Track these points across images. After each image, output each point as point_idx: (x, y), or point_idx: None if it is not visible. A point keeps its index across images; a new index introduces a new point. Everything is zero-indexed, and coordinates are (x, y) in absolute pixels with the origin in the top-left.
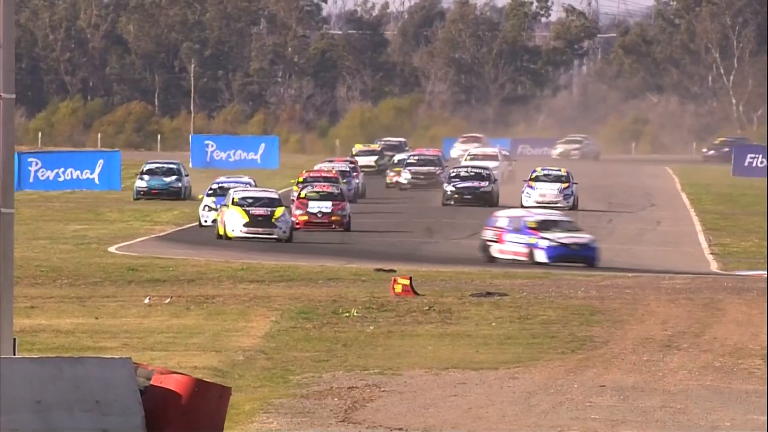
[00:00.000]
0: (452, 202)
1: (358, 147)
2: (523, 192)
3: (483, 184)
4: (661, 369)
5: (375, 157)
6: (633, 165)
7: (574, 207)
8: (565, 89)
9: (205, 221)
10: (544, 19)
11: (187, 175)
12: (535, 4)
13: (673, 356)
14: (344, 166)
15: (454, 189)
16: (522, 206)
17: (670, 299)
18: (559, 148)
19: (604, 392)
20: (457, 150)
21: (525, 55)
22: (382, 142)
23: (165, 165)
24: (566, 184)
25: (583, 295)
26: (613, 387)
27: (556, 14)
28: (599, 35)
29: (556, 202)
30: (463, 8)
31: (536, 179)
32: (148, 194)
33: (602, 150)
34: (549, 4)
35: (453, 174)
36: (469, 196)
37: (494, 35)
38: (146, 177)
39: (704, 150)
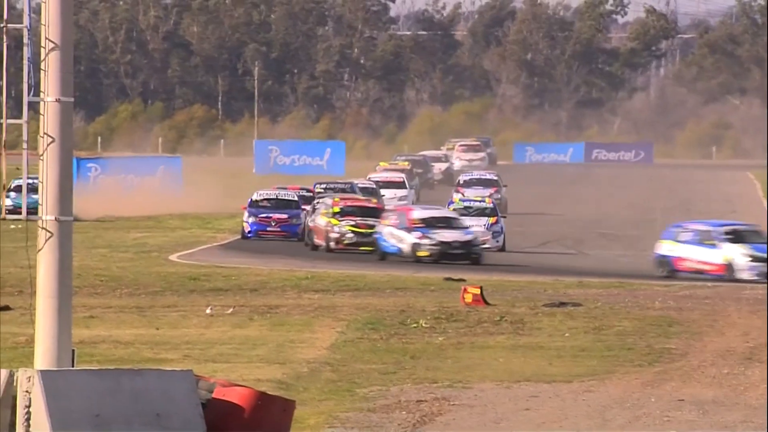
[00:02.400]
0: None
1: (382, 165)
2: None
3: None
4: (742, 383)
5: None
6: (713, 171)
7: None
8: (641, 92)
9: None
10: (620, 19)
11: None
12: (611, 2)
13: (754, 369)
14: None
15: None
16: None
17: (752, 310)
18: (460, 161)
19: (683, 407)
20: (459, 162)
21: (600, 56)
22: (413, 157)
23: (36, 181)
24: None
25: (660, 305)
26: (691, 401)
27: (633, 14)
28: (678, 36)
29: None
30: (534, 8)
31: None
32: (15, 212)
33: (681, 154)
34: (626, 3)
35: None
36: None
37: (568, 36)
38: (12, 194)
39: None
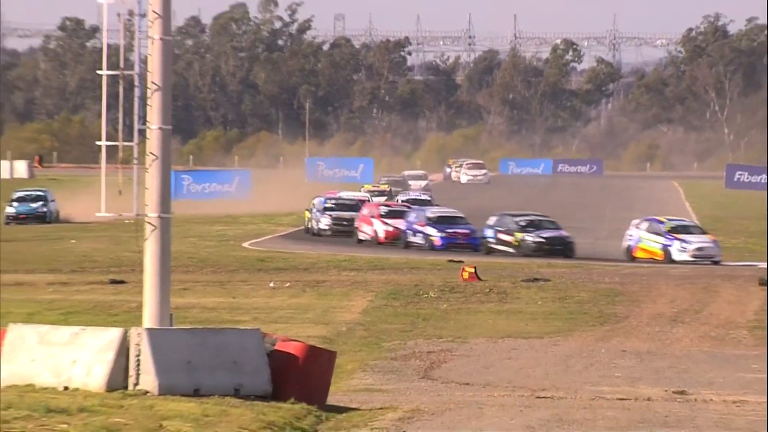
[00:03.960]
0: None
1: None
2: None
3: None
4: (669, 338)
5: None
6: (648, 180)
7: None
8: (594, 121)
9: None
10: (578, 67)
11: (53, 200)
12: (570, 54)
13: (678, 328)
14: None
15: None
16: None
17: (677, 284)
18: (466, 176)
19: (625, 356)
20: (465, 176)
21: (563, 95)
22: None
23: (33, 192)
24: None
25: (608, 281)
26: (631, 352)
27: (587, 63)
28: (621, 79)
29: None
30: (515, 59)
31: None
32: (17, 219)
33: (624, 168)
34: (582, 54)
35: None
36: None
37: (539, 80)
38: (15, 204)
39: None
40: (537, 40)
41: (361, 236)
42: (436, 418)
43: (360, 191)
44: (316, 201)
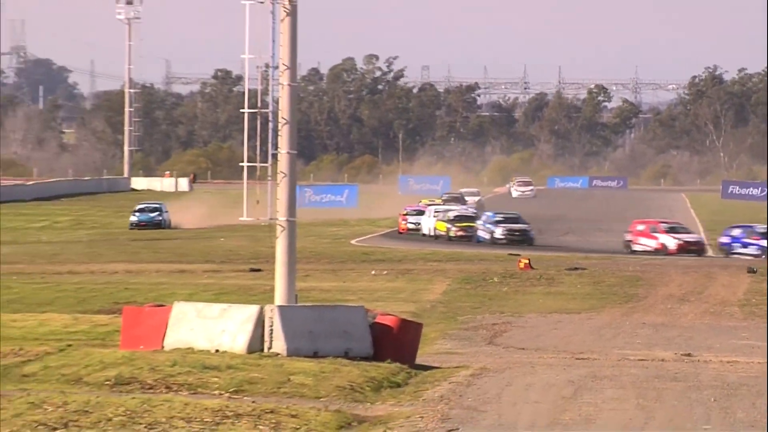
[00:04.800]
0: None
1: (424, 201)
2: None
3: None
4: (677, 313)
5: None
6: (661, 193)
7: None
8: (621, 147)
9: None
10: (608, 105)
11: (166, 212)
12: (602, 96)
13: (685, 306)
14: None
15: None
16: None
17: (684, 272)
18: (516, 192)
19: (644, 327)
20: (516, 191)
21: (597, 127)
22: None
23: (151, 205)
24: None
25: (632, 269)
26: (649, 324)
27: (615, 102)
28: (641, 115)
29: None
30: (559, 99)
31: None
32: (138, 226)
33: (643, 184)
34: (611, 96)
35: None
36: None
37: (578, 115)
38: (137, 214)
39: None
40: (576, 84)
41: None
42: (499, 374)
43: (420, 203)
44: (483, 216)
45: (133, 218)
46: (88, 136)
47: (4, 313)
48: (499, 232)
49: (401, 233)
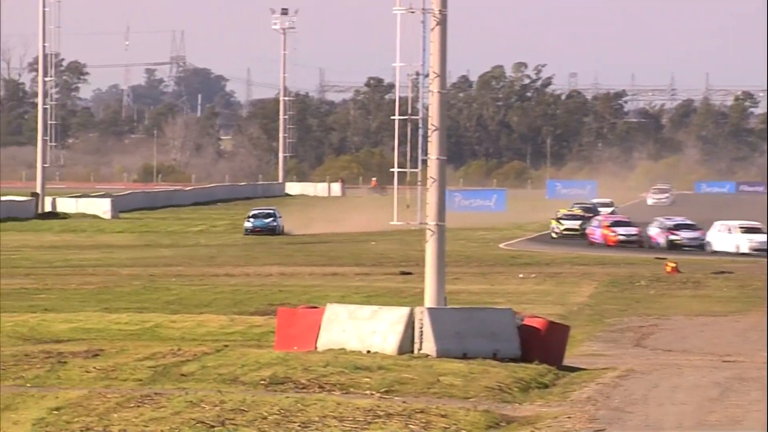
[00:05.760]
0: None
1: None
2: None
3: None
4: None
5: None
6: None
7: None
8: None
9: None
10: (755, 111)
11: (280, 217)
12: (748, 101)
13: None
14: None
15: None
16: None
17: None
18: (652, 199)
19: None
20: (651, 199)
21: (743, 132)
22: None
23: (265, 210)
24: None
25: None
26: None
27: (761, 108)
28: None
29: None
30: (707, 106)
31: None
32: (254, 232)
33: None
34: (757, 102)
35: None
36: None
37: (725, 121)
38: (252, 219)
39: None
40: (723, 91)
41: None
42: (646, 376)
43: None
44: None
45: (248, 224)
46: (245, 143)
47: (164, 314)
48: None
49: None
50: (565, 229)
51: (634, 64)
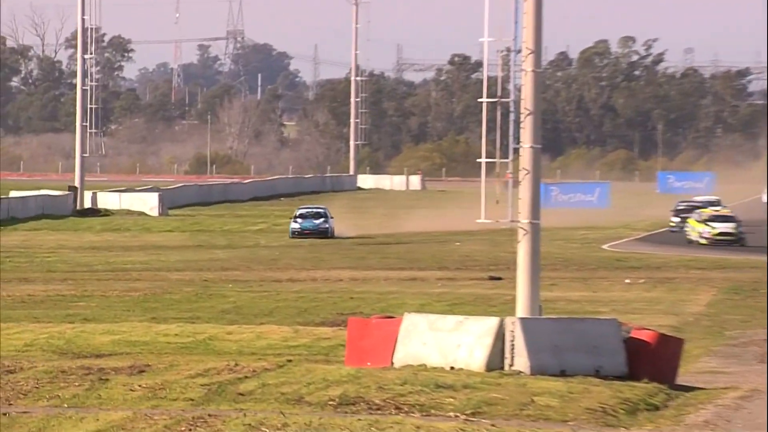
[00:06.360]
0: None
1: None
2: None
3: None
4: None
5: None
6: None
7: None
8: None
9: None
10: None
11: (332, 218)
12: None
13: None
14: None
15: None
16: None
17: None
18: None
19: None
20: (766, 196)
21: None
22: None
23: (314, 209)
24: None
25: None
26: None
27: None
28: None
29: None
30: None
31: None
32: (302, 234)
33: None
34: None
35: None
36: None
37: None
38: (299, 220)
39: None
40: None
41: None
42: None
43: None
44: None
45: (295, 225)
46: (311, 130)
47: (219, 324)
48: None
49: None
50: (719, 234)
51: (759, 39)
